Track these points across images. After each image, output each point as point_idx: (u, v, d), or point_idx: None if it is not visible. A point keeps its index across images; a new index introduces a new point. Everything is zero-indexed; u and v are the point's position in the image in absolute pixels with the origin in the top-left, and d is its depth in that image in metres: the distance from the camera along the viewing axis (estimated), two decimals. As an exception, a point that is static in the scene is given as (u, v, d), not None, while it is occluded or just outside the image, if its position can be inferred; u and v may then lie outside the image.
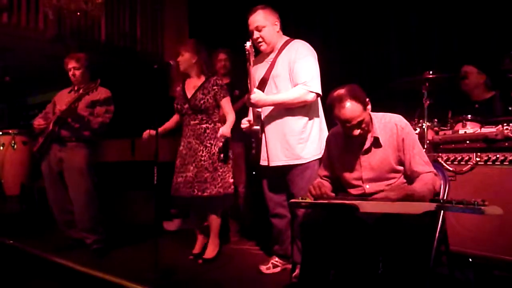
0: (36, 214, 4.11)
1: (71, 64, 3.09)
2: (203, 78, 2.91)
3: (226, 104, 2.88)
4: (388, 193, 1.77)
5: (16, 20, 4.26)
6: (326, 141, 2.19)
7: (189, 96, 2.88)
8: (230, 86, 3.27)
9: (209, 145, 2.83)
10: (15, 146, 4.53)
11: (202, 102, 2.81)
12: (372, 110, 1.95)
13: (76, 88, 3.14)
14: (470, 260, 2.37)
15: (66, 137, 3.03)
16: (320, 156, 2.46)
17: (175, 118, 3.06)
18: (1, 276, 2.40)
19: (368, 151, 1.96)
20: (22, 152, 4.57)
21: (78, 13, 4.16)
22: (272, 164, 2.52)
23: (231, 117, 2.84)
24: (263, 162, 2.59)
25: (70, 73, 3.11)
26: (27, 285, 2.79)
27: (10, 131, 4.63)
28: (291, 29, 2.67)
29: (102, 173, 3.18)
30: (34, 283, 2.84)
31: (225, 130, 2.74)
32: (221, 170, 2.83)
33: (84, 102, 3.02)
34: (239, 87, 3.37)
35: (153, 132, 2.83)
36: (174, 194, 2.90)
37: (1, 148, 4.57)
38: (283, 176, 2.53)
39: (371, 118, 1.94)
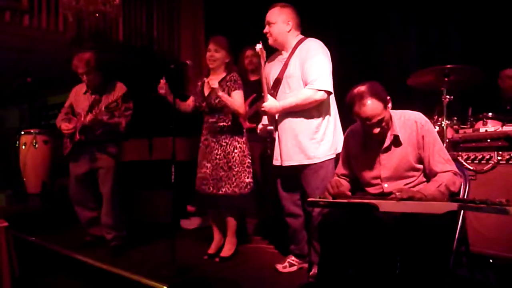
0: (57, 211, 4.20)
1: (81, 69, 3.04)
2: (223, 74, 2.87)
3: (236, 96, 2.80)
4: (395, 195, 1.73)
5: (37, 22, 4.36)
6: (344, 139, 2.18)
7: (206, 94, 2.89)
8: (260, 82, 3.29)
9: (225, 144, 2.84)
10: (37, 146, 4.63)
11: (217, 101, 2.80)
12: (391, 109, 1.93)
13: (91, 91, 3.17)
14: (491, 261, 2.32)
15: (94, 140, 3.07)
16: (334, 155, 2.46)
17: (190, 101, 3.04)
18: (23, 272, 2.46)
19: (387, 149, 1.94)
20: (43, 151, 4.68)
21: (97, 15, 4.22)
22: (285, 164, 2.51)
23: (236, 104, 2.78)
24: (276, 162, 2.59)
25: (82, 78, 3.10)
26: (48, 281, 2.87)
27: (32, 131, 4.74)
28: (306, 28, 2.65)
29: (121, 173, 3.23)
30: (55, 279, 2.91)
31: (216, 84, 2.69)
32: (236, 170, 2.82)
33: (103, 104, 3.06)
34: None
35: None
36: (197, 189, 2.93)
37: (23, 147, 4.68)
38: (296, 176, 2.52)
39: (391, 116, 1.92)
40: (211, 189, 2.83)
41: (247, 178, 2.86)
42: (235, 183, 2.81)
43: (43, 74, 5.18)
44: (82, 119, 3.04)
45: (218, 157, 2.83)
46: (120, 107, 2.91)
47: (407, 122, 1.93)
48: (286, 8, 2.53)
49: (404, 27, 3.68)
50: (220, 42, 2.84)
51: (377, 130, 1.85)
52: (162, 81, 2.79)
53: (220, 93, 2.71)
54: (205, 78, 2.95)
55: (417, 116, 1.95)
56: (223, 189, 2.80)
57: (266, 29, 2.54)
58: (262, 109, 2.46)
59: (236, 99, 2.80)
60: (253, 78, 3.57)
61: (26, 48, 4.70)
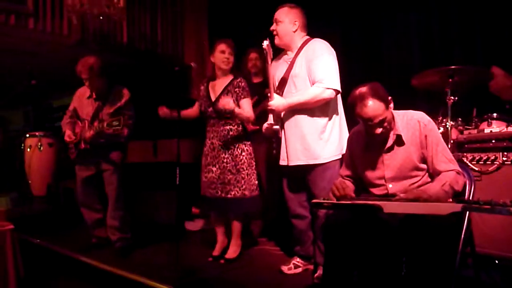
0: (62, 213, 4.22)
1: (85, 75, 3.05)
2: (229, 78, 2.90)
3: (245, 104, 2.84)
4: (400, 195, 1.74)
5: (42, 26, 4.38)
6: (348, 140, 2.18)
7: (213, 98, 2.90)
8: (263, 85, 3.30)
9: (232, 147, 2.84)
10: (42, 148, 4.66)
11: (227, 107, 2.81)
12: (394, 109, 1.93)
13: (95, 96, 3.18)
14: (497, 262, 2.31)
15: (99, 145, 3.08)
16: (340, 156, 2.45)
17: (196, 107, 3.07)
18: (29, 274, 2.48)
19: (390, 149, 1.94)
20: (48, 153, 4.71)
21: (101, 17, 4.24)
22: (292, 163, 2.51)
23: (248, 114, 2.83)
24: (282, 162, 2.60)
25: (86, 83, 3.12)
26: (53, 282, 2.88)
27: (37, 134, 4.77)
28: (309, 27, 2.66)
29: (126, 174, 3.24)
30: (60, 280, 2.92)
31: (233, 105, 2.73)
32: (244, 172, 2.83)
33: (107, 111, 3.09)
34: None
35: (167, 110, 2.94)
36: (203, 193, 2.94)
37: (28, 150, 4.71)
38: (303, 176, 2.52)
39: (393, 116, 1.92)
40: (219, 192, 2.83)
41: (256, 180, 2.88)
42: (244, 186, 2.81)
43: (47, 77, 5.21)
44: (86, 128, 3.05)
45: (225, 160, 2.83)
46: (124, 116, 2.92)
47: (409, 121, 1.93)
48: (294, 8, 2.56)
49: (407, 27, 3.67)
50: (232, 46, 2.88)
51: (379, 130, 1.85)
52: (161, 111, 2.94)
53: (237, 111, 2.74)
54: (207, 82, 2.96)
55: (420, 116, 1.95)
56: (232, 193, 2.81)
57: (273, 27, 2.57)
58: (269, 107, 2.47)
59: (245, 107, 2.83)
60: (256, 80, 3.58)
61: (31, 51, 4.73)
